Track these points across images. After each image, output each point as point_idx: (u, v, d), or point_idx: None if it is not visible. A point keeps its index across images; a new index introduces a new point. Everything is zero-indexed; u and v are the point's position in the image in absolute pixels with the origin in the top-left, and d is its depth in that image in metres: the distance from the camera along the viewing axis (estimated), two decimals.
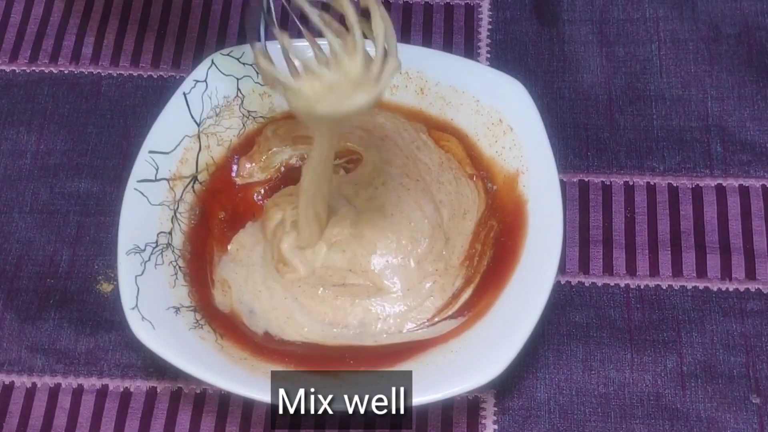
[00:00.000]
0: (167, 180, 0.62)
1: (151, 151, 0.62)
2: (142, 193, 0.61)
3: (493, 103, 0.64)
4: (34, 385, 0.61)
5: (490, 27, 0.71)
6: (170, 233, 0.61)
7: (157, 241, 0.60)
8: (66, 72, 0.70)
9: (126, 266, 0.59)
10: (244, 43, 0.66)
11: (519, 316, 0.57)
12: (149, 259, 0.60)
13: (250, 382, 0.56)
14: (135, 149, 0.63)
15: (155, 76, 0.70)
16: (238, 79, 0.65)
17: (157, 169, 0.62)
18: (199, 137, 0.64)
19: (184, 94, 0.64)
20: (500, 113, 0.63)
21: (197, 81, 0.64)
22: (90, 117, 0.69)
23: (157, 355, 0.56)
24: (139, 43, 0.71)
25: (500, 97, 0.63)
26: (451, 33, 0.71)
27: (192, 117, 0.64)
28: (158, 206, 0.62)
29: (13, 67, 0.71)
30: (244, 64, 0.65)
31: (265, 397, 0.55)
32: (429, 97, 0.65)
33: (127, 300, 0.58)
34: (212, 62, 0.65)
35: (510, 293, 0.58)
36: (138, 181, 0.61)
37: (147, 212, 0.61)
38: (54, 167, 0.67)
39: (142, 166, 0.62)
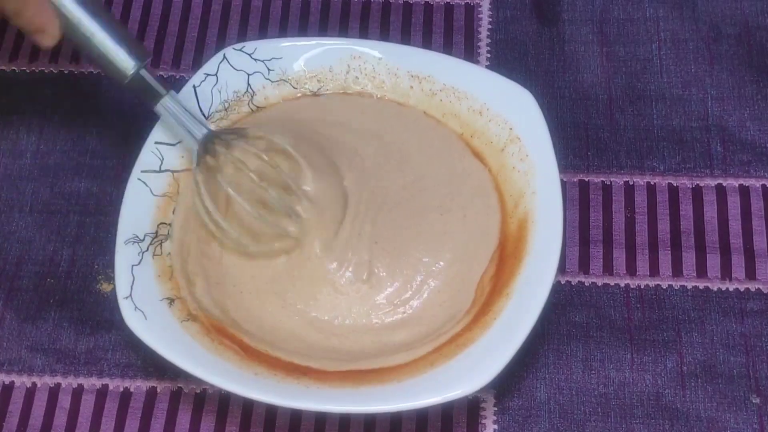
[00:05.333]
0: (172, 171, 0.62)
1: (157, 142, 0.62)
2: (145, 183, 0.61)
3: (501, 111, 0.64)
4: (34, 385, 0.61)
5: (490, 27, 0.71)
6: (171, 224, 0.61)
7: (156, 232, 0.61)
8: (66, 72, 0.70)
9: (123, 255, 0.59)
10: (244, 40, 0.66)
11: (519, 316, 0.57)
12: (147, 250, 0.60)
13: (237, 378, 0.56)
14: (135, 149, 0.63)
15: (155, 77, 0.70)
16: (248, 75, 0.65)
17: (162, 160, 0.62)
18: None
19: (194, 87, 0.64)
20: (509, 123, 0.63)
21: (208, 74, 0.64)
22: (90, 117, 0.69)
23: (156, 355, 0.57)
24: None
25: (510, 106, 0.63)
26: (451, 33, 0.71)
27: (201, 110, 0.64)
28: (161, 197, 0.62)
29: (14, 67, 0.71)
30: (255, 60, 0.65)
31: (251, 393, 0.55)
32: (436, 100, 0.65)
33: (121, 289, 0.58)
34: (224, 57, 0.65)
35: (510, 293, 0.59)
36: (142, 171, 0.62)
37: (149, 202, 0.61)
38: (54, 167, 0.67)
39: (147, 157, 0.62)
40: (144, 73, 0.60)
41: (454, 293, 0.60)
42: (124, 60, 0.59)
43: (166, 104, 0.61)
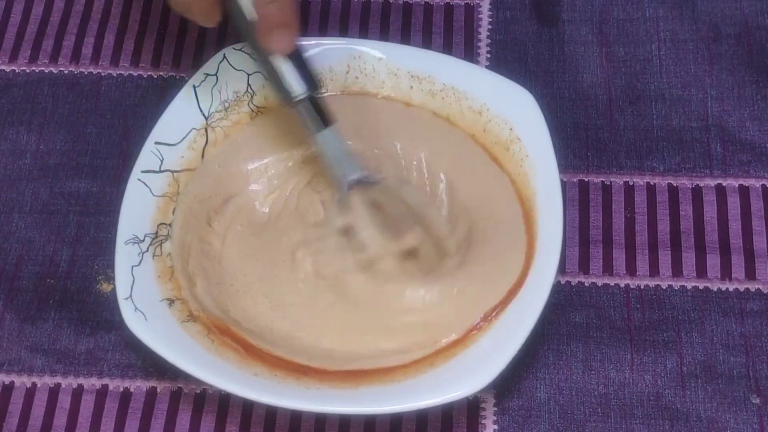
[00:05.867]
0: (171, 172, 0.63)
1: (157, 143, 0.63)
2: (145, 184, 0.62)
3: (501, 111, 0.64)
4: (34, 385, 0.61)
5: (490, 27, 0.71)
6: (171, 225, 0.61)
7: (156, 232, 0.61)
8: (66, 72, 0.70)
9: (123, 256, 0.59)
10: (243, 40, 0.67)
11: (519, 317, 0.57)
12: (147, 250, 0.60)
13: (237, 378, 0.56)
14: (135, 149, 0.63)
15: (155, 76, 0.70)
16: (248, 75, 0.65)
17: (162, 161, 0.62)
18: (206, 131, 0.64)
19: (194, 86, 0.64)
20: (509, 123, 0.63)
21: (207, 74, 0.65)
22: (90, 117, 0.69)
23: (156, 355, 0.57)
24: (139, 43, 0.71)
25: (510, 106, 0.63)
26: (451, 33, 0.71)
27: (200, 110, 0.64)
28: (160, 197, 0.62)
29: (13, 67, 0.71)
30: (255, 60, 0.65)
31: (251, 394, 0.55)
32: (438, 102, 0.65)
33: (121, 290, 0.58)
34: (224, 56, 0.65)
35: (510, 293, 0.59)
36: (142, 172, 0.62)
37: (149, 203, 0.61)
38: (54, 167, 0.67)
39: (147, 157, 0.62)
40: (311, 102, 0.59)
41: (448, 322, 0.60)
42: (294, 85, 0.59)
43: (326, 137, 0.60)
